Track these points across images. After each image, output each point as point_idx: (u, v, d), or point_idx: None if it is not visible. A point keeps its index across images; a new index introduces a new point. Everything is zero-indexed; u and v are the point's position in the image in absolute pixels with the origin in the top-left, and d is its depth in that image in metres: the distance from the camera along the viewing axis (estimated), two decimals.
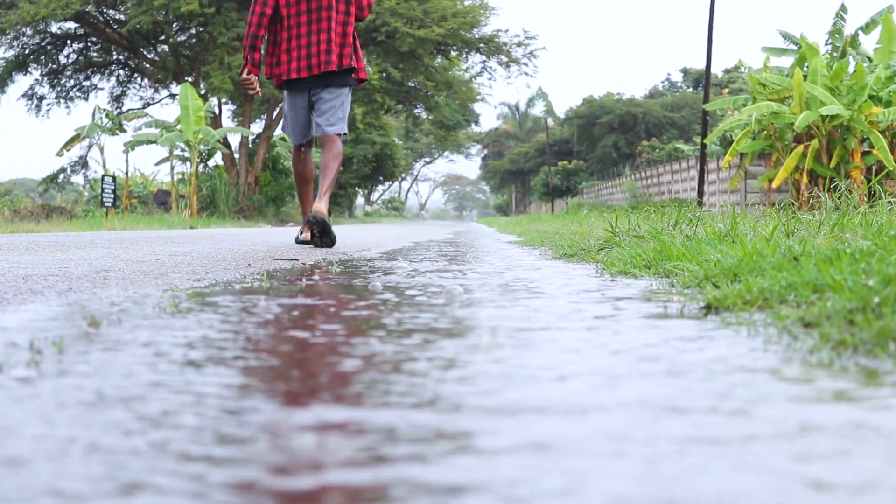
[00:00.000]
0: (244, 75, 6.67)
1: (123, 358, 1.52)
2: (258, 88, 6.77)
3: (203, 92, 28.44)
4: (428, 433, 1.03)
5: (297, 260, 4.85)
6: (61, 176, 32.43)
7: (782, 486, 0.83)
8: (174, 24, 29.51)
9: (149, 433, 1.02)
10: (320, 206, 6.37)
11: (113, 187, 21.90)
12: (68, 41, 31.48)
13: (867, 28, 18.43)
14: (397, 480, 0.86)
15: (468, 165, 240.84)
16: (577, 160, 61.80)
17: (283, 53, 6.62)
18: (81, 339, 1.74)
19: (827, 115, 15.99)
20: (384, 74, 32.22)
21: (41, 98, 32.53)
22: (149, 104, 33.75)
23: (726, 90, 37.42)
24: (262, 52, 6.81)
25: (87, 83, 33.03)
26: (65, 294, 2.66)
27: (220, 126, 29.91)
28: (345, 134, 6.77)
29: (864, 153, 16.44)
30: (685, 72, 67.76)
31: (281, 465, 0.91)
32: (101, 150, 26.46)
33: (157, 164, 28.83)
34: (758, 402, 1.16)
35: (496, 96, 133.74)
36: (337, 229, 8.53)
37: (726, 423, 1.06)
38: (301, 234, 6.72)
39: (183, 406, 1.16)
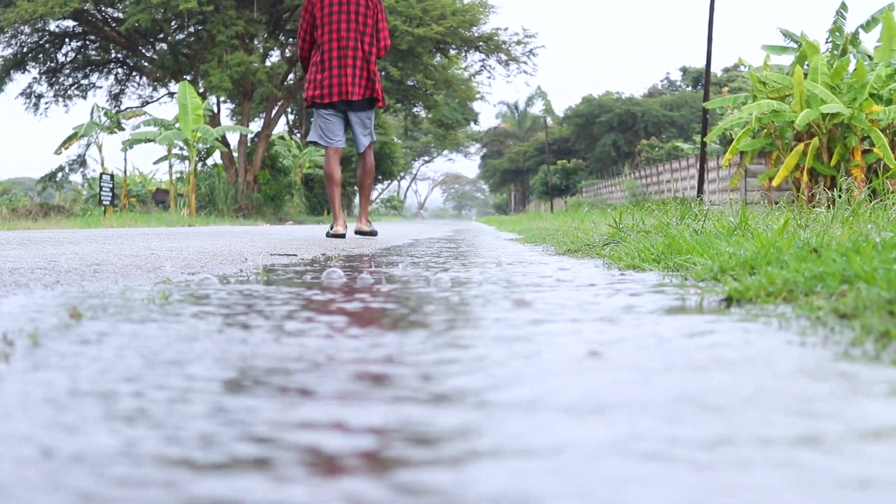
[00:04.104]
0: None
1: (102, 351, 1.41)
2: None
3: (202, 90, 28.33)
4: (462, 440, 0.92)
5: (294, 255, 4.74)
6: (59, 174, 32.27)
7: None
8: (172, 23, 29.38)
9: (121, 432, 0.91)
10: (361, 225, 8.39)
11: (111, 186, 21.80)
12: (67, 39, 31.35)
13: (868, 26, 18.34)
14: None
15: (467, 164, 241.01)
16: (576, 159, 61.73)
17: (317, 81, 8.12)
18: (60, 331, 1.63)
19: (827, 114, 15.91)
20: (383, 73, 32.10)
21: (39, 96, 32.38)
22: (147, 102, 33.63)
23: (726, 89, 37.35)
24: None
25: (85, 81, 32.89)
26: (51, 287, 2.55)
27: (219, 124, 29.78)
28: (373, 141, 8.49)
29: (865, 151, 16.35)
30: (684, 70, 67.68)
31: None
32: (100, 148, 26.35)
33: (155, 162, 28.73)
34: (813, 400, 1.05)
35: (495, 95, 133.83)
36: None
37: (789, 423, 0.95)
38: (331, 228, 8.12)
39: (160, 403, 1.04)
